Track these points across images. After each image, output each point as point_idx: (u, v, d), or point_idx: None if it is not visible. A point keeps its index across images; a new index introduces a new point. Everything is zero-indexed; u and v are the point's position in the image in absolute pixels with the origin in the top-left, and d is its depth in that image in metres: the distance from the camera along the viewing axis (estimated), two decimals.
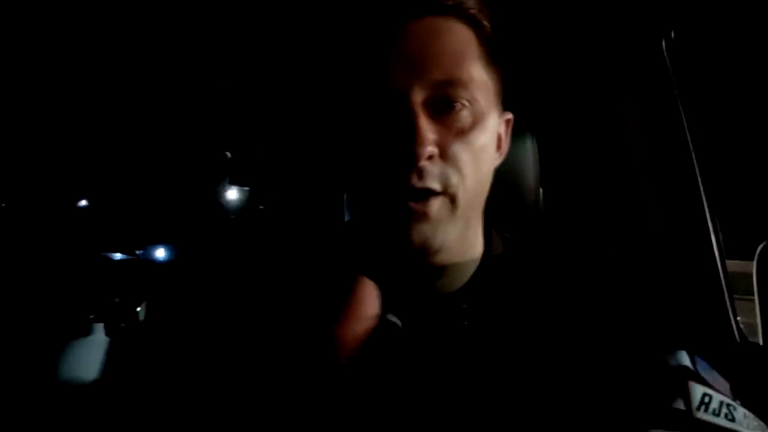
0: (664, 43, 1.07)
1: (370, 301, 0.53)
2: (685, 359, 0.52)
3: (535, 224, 0.80)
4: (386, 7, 0.54)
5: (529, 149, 0.86)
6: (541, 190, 0.88)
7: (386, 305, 0.55)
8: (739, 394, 0.53)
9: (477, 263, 0.61)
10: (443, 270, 0.58)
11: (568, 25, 1.15)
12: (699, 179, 1.07)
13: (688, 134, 1.08)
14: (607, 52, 1.12)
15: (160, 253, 2.57)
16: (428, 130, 0.52)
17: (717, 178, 1.16)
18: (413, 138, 0.51)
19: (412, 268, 0.57)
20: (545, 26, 1.16)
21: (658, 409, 0.49)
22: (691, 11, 1.04)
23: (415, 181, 0.52)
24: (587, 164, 1.19)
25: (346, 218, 0.76)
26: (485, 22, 0.57)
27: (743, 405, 0.50)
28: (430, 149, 0.52)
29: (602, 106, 1.14)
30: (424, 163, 0.52)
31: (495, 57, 0.58)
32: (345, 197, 0.76)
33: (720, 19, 1.07)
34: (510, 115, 0.64)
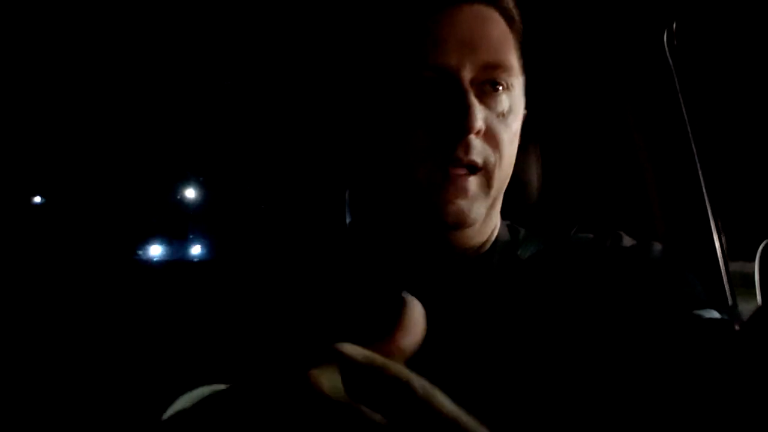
0: (665, 36, 1.07)
1: (419, 324, 0.54)
2: (716, 314, 0.55)
3: (535, 219, 0.80)
4: None
5: (530, 147, 0.86)
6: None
7: (403, 279, 0.58)
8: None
9: (491, 243, 0.64)
10: (464, 245, 0.61)
11: (568, 19, 1.15)
12: (701, 177, 1.07)
13: (689, 129, 1.07)
14: (607, 47, 1.12)
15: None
16: (478, 107, 0.55)
17: (719, 176, 1.15)
18: (466, 112, 0.53)
19: (437, 241, 0.60)
20: (544, 20, 1.15)
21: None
22: (692, 4, 1.04)
23: (461, 154, 0.55)
24: (588, 161, 1.19)
25: (348, 219, 0.76)
26: (519, 20, 0.61)
27: None
28: (480, 124, 0.55)
29: (602, 102, 1.14)
30: (472, 137, 0.55)
31: (523, 52, 0.62)
32: (347, 198, 0.76)
33: (722, 12, 1.06)
34: (525, 111, 0.67)
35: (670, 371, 0.54)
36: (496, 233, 0.65)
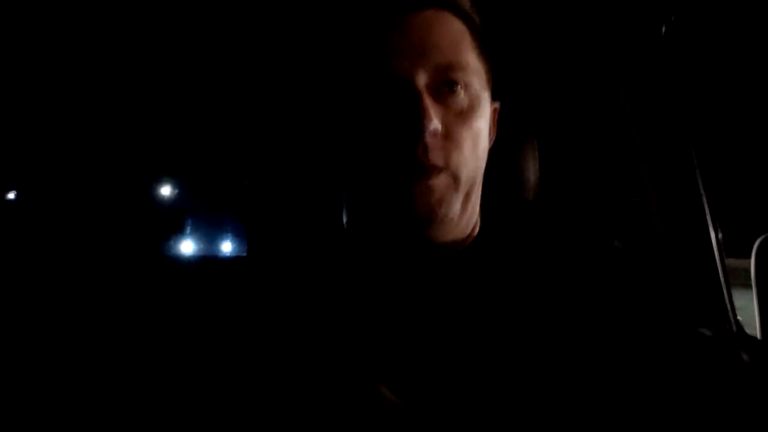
0: (662, 32, 1.07)
1: None
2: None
3: (532, 215, 0.80)
4: (386, 1, 0.58)
5: (527, 144, 0.86)
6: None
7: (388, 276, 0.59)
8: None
9: (472, 237, 0.65)
10: (443, 241, 0.61)
11: (566, 14, 1.15)
12: (698, 173, 1.07)
13: (686, 125, 1.07)
14: (604, 42, 1.11)
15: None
16: (433, 109, 0.56)
17: (716, 173, 1.15)
18: (419, 114, 0.55)
19: (415, 239, 0.60)
20: (541, 15, 1.15)
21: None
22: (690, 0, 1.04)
23: (421, 155, 0.56)
24: (584, 157, 1.19)
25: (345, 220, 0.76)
26: (475, 17, 0.62)
27: None
28: (435, 124, 0.56)
29: (599, 98, 1.14)
30: (429, 138, 0.56)
31: (485, 48, 0.63)
32: (344, 198, 0.76)
33: (720, 8, 1.06)
34: (497, 104, 0.69)
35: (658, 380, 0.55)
36: (476, 230, 0.66)
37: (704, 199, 1.07)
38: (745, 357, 0.68)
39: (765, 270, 0.99)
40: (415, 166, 0.56)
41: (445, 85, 0.58)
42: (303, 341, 0.56)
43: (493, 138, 0.69)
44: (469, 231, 0.65)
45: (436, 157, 0.57)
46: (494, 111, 0.68)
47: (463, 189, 0.60)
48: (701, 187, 1.08)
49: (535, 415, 0.55)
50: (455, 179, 0.59)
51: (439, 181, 0.57)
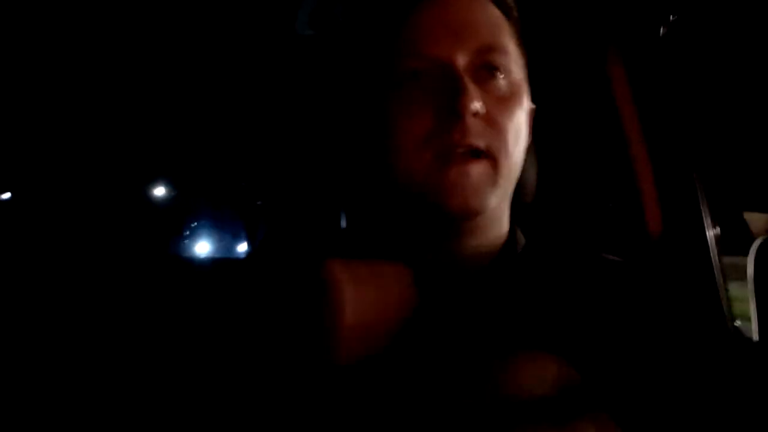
0: (661, 31, 1.07)
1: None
2: None
3: (533, 219, 0.80)
4: None
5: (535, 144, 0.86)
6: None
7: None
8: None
9: (500, 247, 0.60)
10: (473, 245, 0.58)
11: (563, 13, 1.14)
12: (695, 174, 1.07)
13: (685, 126, 1.08)
14: (602, 42, 1.11)
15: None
16: (473, 90, 0.52)
17: (715, 173, 1.16)
18: (459, 92, 0.51)
19: (443, 238, 0.57)
20: (539, 13, 1.15)
21: None
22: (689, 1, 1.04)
23: (458, 138, 0.52)
24: (583, 157, 1.19)
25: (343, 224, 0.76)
26: (514, 8, 0.59)
27: None
28: (477, 104, 0.51)
29: (597, 97, 1.14)
30: (470, 118, 0.52)
31: (523, 43, 0.60)
32: (342, 202, 0.76)
33: (719, 7, 1.06)
34: (534, 106, 0.64)
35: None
36: (504, 240, 0.61)
37: (701, 200, 1.07)
38: (741, 359, 0.68)
39: (762, 273, 0.99)
40: (452, 149, 0.52)
41: (486, 68, 0.55)
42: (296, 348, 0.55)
43: (529, 141, 0.63)
44: (498, 242, 0.60)
45: (477, 139, 0.52)
46: (532, 112, 0.64)
47: (501, 182, 0.55)
48: (699, 187, 1.08)
49: None
50: (495, 169, 0.54)
51: (478, 168, 0.53)
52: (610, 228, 1.16)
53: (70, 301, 1.44)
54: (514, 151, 0.56)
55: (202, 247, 2.86)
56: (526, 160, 0.68)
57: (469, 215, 0.54)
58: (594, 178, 1.20)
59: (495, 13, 0.57)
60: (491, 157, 0.53)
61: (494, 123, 0.54)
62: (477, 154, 0.53)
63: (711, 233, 1.06)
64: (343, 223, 0.68)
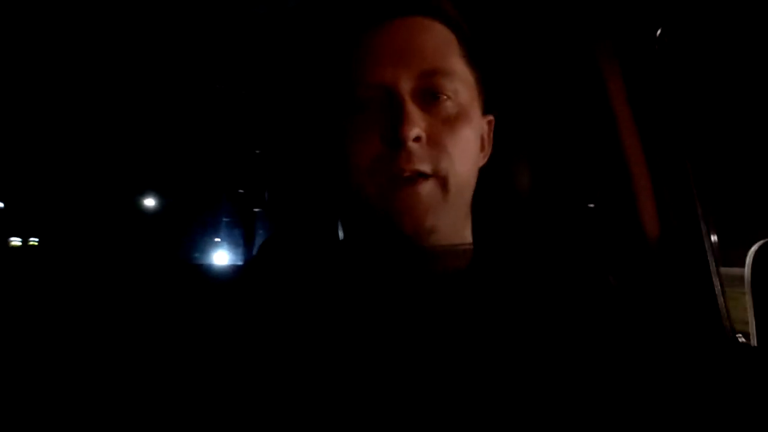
0: (656, 36, 1.07)
1: None
2: None
3: (525, 224, 0.80)
4: (372, 7, 0.57)
5: (519, 150, 0.86)
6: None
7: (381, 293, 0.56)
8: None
9: (468, 256, 0.62)
10: (435, 256, 0.59)
11: (558, 19, 1.15)
12: (692, 180, 1.07)
13: (680, 129, 1.08)
14: (597, 46, 1.11)
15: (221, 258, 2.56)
16: (415, 114, 0.54)
17: (711, 179, 1.16)
18: (400, 120, 0.53)
19: (406, 255, 0.58)
20: (534, 19, 1.15)
21: None
22: (684, 3, 1.04)
23: (404, 164, 0.54)
24: (577, 163, 1.19)
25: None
26: (463, 25, 0.61)
27: None
28: (417, 130, 0.54)
29: (592, 102, 1.14)
30: (411, 144, 0.54)
31: (475, 59, 0.61)
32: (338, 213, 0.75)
33: (715, 10, 1.07)
34: (491, 117, 0.66)
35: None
36: (469, 247, 0.63)
37: (699, 206, 1.07)
38: (740, 365, 0.67)
39: (759, 278, 0.99)
40: (398, 175, 0.55)
41: (430, 92, 0.57)
42: (291, 349, 0.55)
43: (488, 153, 0.66)
44: (461, 246, 0.62)
45: (421, 164, 0.55)
46: (489, 123, 0.66)
47: (453, 199, 0.57)
48: (696, 194, 1.07)
49: None
50: (443, 187, 0.56)
51: (426, 189, 0.55)
52: (607, 233, 1.16)
53: (67, 305, 1.44)
54: (463, 168, 0.58)
55: (220, 257, 2.84)
56: (516, 167, 0.69)
57: (422, 234, 0.56)
58: (590, 182, 1.20)
59: (442, 34, 0.59)
60: (439, 177, 0.56)
61: (439, 145, 0.56)
62: (424, 176, 0.55)
63: (709, 239, 1.06)
64: (341, 234, 0.68)
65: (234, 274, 0.89)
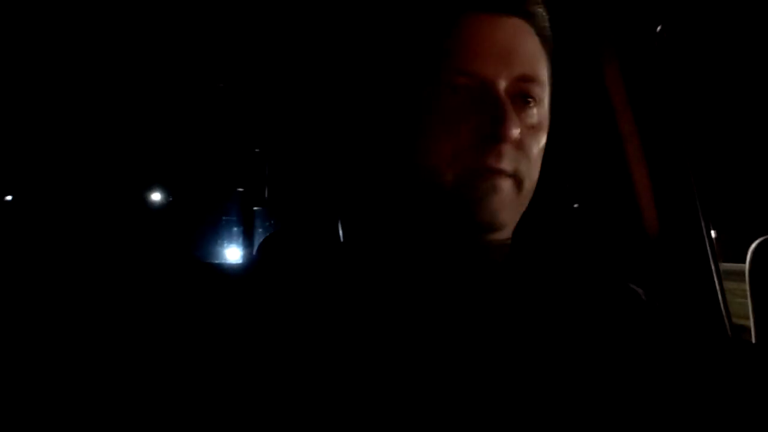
0: (656, 33, 1.07)
1: None
2: None
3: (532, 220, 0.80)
4: (479, 2, 0.57)
5: None
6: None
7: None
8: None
9: (506, 250, 0.62)
10: (488, 250, 0.60)
11: (557, 16, 1.14)
12: (691, 177, 1.07)
13: (680, 127, 1.08)
14: (597, 41, 1.11)
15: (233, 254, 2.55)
16: (514, 115, 0.55)
17: (711, 176, 1.16)
18: (503, 119, 0.53)
19: (466, 246, 0.59)
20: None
21: None
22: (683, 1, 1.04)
23: (494, 161, 0.55)
24: (579, 160, 1.19)
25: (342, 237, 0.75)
26: (551, 42, 0.62)
27: None
28: (517, 131, 0.55)
29: (593, 100, 1.14)
30: (507, 146, 0.55)
31: (552, 72, 0.62)
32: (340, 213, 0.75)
33: (715, 8, 1.06)
34: None
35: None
36: (508, 247, 0.63)
37: (698, 203, 1.07)
38: (740, 362, 0.67)
39: (759, 274, 0.99)
40: (485, 169, 0.55)
41: (523, 96, 0.57)
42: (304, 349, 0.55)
43: None
44: (506, 243, 0.63)
45: (507, 164, 0.55)
46: None
47: (521, 200, 0.59)
48: (695, 191, 1.08)
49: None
50: (519, 187, 0.57)
51: (506, 186, 0.56)
52: (608, 231, 1.16)
53: (71, 302, 1.44)
54: (536, 173, 0.60)
55: (232, 253, 2.83)
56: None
57: (494, 228, 0.57)
58: (591, 180, 1.20)
59: (536, 43, 0.59)
60: (517, 179, 0.57)
61: (524, 149, 0.57)
62: (507, 173, 0.56)
63: (709, 236, 1.06)
64: (341, 236, 0.68)
65: (236, 274, 0.89)
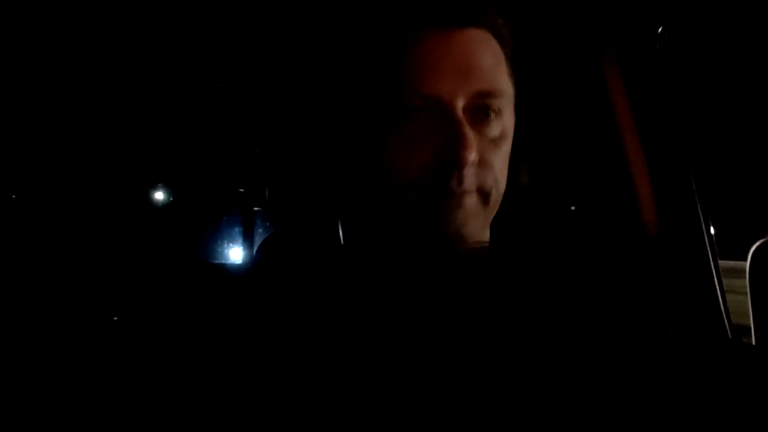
0: (657, 34, 1.06)
1: None
2: None
3: (526, 218, 0.80)
4: (429, 11, 0.55)
5: (519, 144, 0.86)
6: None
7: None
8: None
9: (483, 252, 0.63)
10: (459, 255, 0.60)
11: (558, 16, 1.14)
12: (692, 177, 1.07)
13: (681, 127, 1.07)
14: (598, 41, 1.11)
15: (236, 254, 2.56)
16: (473, 138, 0.54)
17: (711, 176, 1.15)
18: (459, 143, 0.53)
19: (429, 254, 0.59)
20: (533, 16, 1.15)
21: None
22: (685, 2, 1.04)
23: (455, 185, 0.55)
24: (578, 160, 1.19)
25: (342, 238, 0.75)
26: (510, 41, 0.60)
27: None
28: (475, 155, 0.55)
29: (593, 100, 1.14)
30: (467, 168, 0.55)
31: (514, 71, 0.62)
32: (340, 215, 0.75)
33: (716, 10, 1.06)
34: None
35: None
36: (485, 249, 0.64)
37: (698, 203, 1.07)
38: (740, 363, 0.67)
39: (760, 276, 0.99)
40: (447, 191, 0.56)
41: (481, 110, 0.57)
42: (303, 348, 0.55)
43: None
44: (481, 244, 0.63)
45: (469, 184, 0.56)
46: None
47: (490, 210, 0.60)
48: (695, 191, 1.07)
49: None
50: (484, 202, 0.58)
51: (470, 203, 0.57)
52: (608, 230, 1.16)
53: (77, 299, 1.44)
54: (502, 183, 0.60)
55: (235, 254, 2.82)
56: (517, 167, 0.70)
57: (461, 242, 0.57)
58: (591, 180, 1.20)
59: (496, 50, 0.58)
60: (483, 193, 0.58)
61: (486, 165, 0.57)
62: (468, 193, 0.56)
63: (709, 235, 1.06)
64: (342, 237, 0.68)
65: (238, 274, 0.89)
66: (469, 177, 0.55)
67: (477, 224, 0.58)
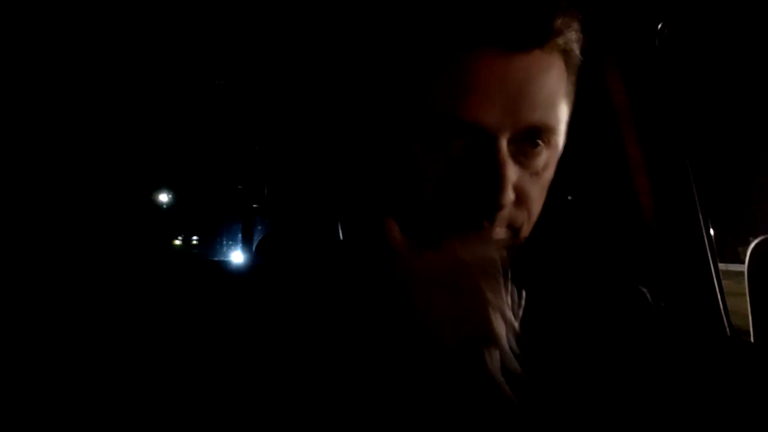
0: (657, 31, 1.06)
1: None
2: None
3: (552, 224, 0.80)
4: (490, 31, 0.49)
5: None
6: None
7: None
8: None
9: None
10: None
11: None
12: (691, 177, 1.07)
13: (680, 127, 1.07)
14: (598, 43, 1.11)
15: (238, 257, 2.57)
16: (512, 179, 0.50)
17: (708, 178, 1.15)
18: (498, 186, 0.49)
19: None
20: None
21: None
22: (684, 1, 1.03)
23: (486, 224, 0.51)
24: (578, 160, 1.19)
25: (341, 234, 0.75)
26: (579, 55, 0.54)
27: None
28: (512, 197, 0.50)
29: (592, 99, 1.14)
30: (503, 210, 0.50)
31: (575, 86, 0.56)
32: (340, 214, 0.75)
33: (715, 8, 1.06)
34: None
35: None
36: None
37: (698, 203, 1.07)
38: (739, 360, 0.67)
39: (758, 274, 0.99)
40: (476, 227, 0.52)
41: (529, 142, 0.52)
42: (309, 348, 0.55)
43: None
44: None
45: (501, 223, 0.52)
46: None
47: (519, 243, 0.55)
48: (695, 191, 1.07)
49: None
50: (516, 235, 0.54)
51: (499, 235, 0.53)
52: (608, 231, 1.16)
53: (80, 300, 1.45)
54: (537, 213, 0.55)
55: (237, 257, 2.81)
56: None
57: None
58: (591, 180, 1.20)
59: (557, 75, 0.52)
60: (514, 228, 0.54)
61: (523, 200, 0.53)
62: (499, 229, 0.53)
63: (709, 236, 1.06)
64: (341, 234, 0.67)
65: (238, 273, 0.89)
66: (504, 216, 0.52)
67: (504, 253, 0.53)
